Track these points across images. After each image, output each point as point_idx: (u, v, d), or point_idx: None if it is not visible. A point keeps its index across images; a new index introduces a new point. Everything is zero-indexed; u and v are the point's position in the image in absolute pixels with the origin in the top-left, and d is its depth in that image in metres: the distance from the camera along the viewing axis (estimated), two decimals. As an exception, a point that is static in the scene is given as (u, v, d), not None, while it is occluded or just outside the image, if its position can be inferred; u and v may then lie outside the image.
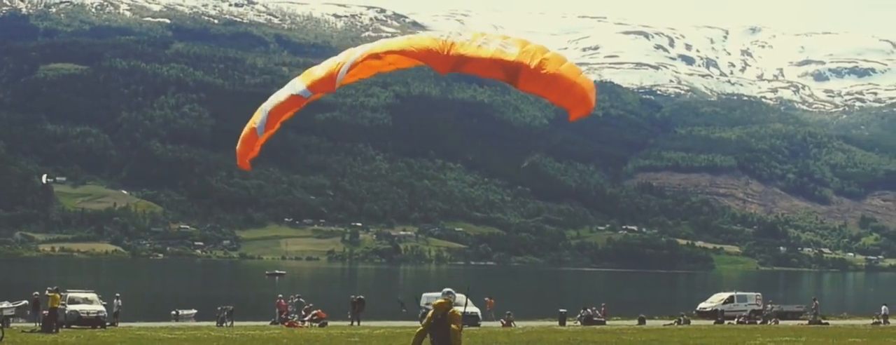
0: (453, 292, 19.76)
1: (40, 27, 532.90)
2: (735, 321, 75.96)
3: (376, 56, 17.86)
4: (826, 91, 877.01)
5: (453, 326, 19.12)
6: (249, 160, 19.05)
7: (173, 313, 71.88)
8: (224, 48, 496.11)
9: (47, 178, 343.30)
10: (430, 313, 19.49)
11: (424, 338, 19.35)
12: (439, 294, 58.46)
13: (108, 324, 56.28)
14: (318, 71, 18.65)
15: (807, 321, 76.54)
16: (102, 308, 56.40)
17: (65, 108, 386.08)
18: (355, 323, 63.72)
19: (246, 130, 18.93)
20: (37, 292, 57.62)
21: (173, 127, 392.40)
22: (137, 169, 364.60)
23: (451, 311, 19.30)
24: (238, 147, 19.07)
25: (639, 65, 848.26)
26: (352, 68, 17.85)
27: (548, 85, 16.49)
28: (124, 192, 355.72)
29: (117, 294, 64.54)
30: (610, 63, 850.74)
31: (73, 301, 56.39)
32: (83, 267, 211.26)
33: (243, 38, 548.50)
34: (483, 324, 62.75)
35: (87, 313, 54.99)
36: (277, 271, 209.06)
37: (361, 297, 68.73)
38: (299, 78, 18.81)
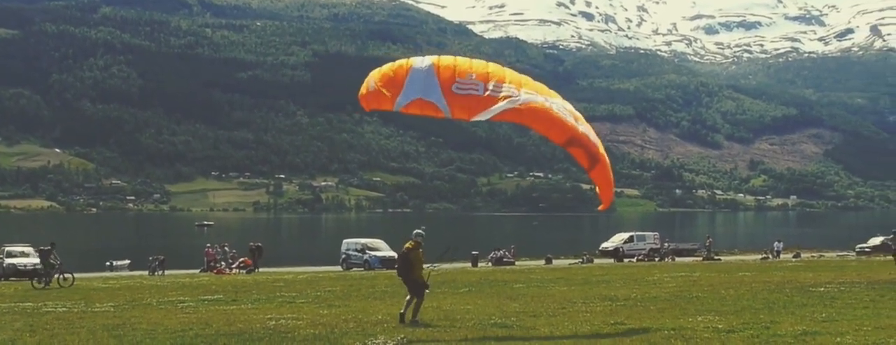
0: (422, 233, 22.03)
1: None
2: (635, 259, 76.54)
3: (515, 113, 19.59)
4: (716, 43, 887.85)
5: (417, 264, 21.66)
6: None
7: (108, 263, 71.09)
8: (150, 11, 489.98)
9: None
10: (404, 249, 21.91)
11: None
12: (360, 240, 58.23)
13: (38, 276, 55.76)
14: (454, 91, 19.46)
15: (701, 258, 77.25)
16: (39, 261, 55.79)
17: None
18: (256, 269, 63.19)
19: (384, 84, 19.94)
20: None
21: (103, 87, 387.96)
22: (70, 128, 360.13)
23: (417, 252, 21.74)
24: (370, 89, 20.12)
25: (542, 21, 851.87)
26: (495, 116, 19.51)
27: (605, 183, 20.54)
28: (58, 150, 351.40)
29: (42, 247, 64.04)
30: (515, 20, 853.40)
31: (10, 255, 55.85)
32: (20, 223, 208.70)
33: (168, 2, 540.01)
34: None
35: (25, 266, 54.40)
36: (206, 222, 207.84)
37: (259, 244, 68.17)
38: (439, 82, 19.45)
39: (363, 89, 20.13)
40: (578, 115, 20.49)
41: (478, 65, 19.84)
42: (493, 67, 19.93)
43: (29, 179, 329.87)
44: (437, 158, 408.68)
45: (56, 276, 42.80)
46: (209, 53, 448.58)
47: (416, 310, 21.68)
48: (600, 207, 21.24)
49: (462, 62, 19.84)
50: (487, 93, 19.27)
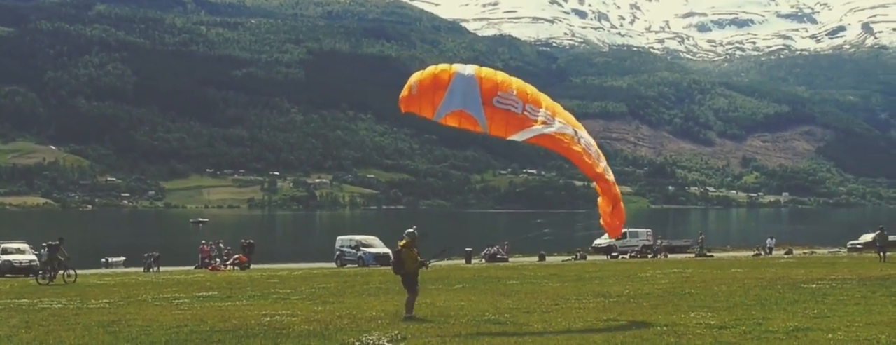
0: (414, 232, 23.03)
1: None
2: (628, 256, 76.60)
3: (550, 140, 20.52)
4: (709, 41, 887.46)
5: (409, 260, 22.45)
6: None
7: (103, 260, 70.96)
8: (144, 9, 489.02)
9: None
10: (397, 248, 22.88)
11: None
12: (354, 236, 58.22)
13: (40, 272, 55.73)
14: (494, 103, 20.16)
15: (694, 254, 77.35)
16: (34, 257, 55.68)
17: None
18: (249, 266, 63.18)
19: (427, 90, 20.40)
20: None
21: (98, 85, 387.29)
22: (65, 125, 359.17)
23: (411, 250, 22.53)
24: (412, 93, 20.58)
25: (535, 19, 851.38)
26: (531, 139, 20.32)
27: (619, 218, 22.18)
28: (53, 147, 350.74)
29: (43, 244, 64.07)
30: (509, 18, 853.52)
31: (6, 252, 55.77)
32: (16, 220, 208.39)
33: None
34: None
35: (20, 263, 54.40)
36: (201, 219, 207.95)
37: (251, 240, 68.17)
38: (481, 93, 20.09)
39: (405, 92, 20.77)
40: (600, 152, 21.75)
41: (517, 82, 20.56)
42: (530, 89, 20.70)
43: (24, 176, 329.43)
44: (430, 155, 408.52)
45: (61, 272, 42.76)
46: (204, 51, 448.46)
47: (410, 306, 22.25)
48: (611, 236, 23.17)
49: (503, 76, 20.56)
50: (524, 112, 19.99)
